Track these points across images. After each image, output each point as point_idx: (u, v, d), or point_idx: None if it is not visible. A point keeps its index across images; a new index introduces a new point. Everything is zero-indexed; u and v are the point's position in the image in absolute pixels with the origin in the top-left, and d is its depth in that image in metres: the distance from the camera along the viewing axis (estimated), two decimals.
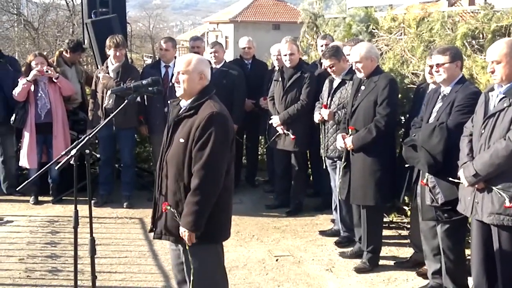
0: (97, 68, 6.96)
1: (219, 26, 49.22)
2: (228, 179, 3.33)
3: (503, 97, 3.59)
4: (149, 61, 18.36)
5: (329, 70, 5.32)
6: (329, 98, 5.37)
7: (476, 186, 3.65)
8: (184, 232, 3.25)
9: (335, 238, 5.55)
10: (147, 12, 58.31)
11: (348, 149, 4.84)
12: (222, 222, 3.38)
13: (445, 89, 4.17)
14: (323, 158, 5.52)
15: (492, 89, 3.73)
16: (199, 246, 3.30)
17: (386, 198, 4.92)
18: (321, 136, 5.50)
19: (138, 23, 46.57)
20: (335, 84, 5.37)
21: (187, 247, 3.30)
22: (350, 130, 4.84)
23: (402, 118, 5.53)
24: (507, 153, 3.45)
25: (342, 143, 4.88)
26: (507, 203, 3.48)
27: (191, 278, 3.35)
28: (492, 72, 3.61)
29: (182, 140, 3.27)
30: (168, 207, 3.32)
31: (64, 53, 7.15)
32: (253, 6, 47.69)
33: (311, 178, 7.18)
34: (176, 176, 3.30)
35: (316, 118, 5.43)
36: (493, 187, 3.55)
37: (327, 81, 5.51)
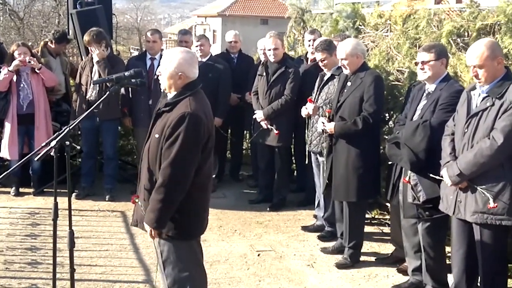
0: (82, 59, 6.88)
1: (207, 19, 49.08)
2: (201, 177, 3.29)
3: (485, 96, 3.60)
4: (136, 53, 18.23)
5: (320, 64, 5.29)
6: (318, 93, 5.36)
7: (459, 185, 3.67)
8: (147, 228, 3.26)
9: (317, 234, 5.56)
10: (134, 4, 57.86)
11: (328, 132, 4.83)
12: (193, 219, 3.35)
13: (430, 87, 4.17)
14: (307, 153, 5.51)
15: (473, 88, 3.73)
16: (170, 242, 3.31)
17: (369, 194, 4.93)
18: (306, 131, 5.48)
19: (126, 15, 46.25)
20: (325, 78, 5.35)
21: (155, 242, 3.32)
22: (327, 113, 4.89)
23: (387, 115, 5.54)
24: (491, 152, 3.46)
25: (323, 126, 4.89)
26: (491, 204, 3.50)
27: (164, 273, 3.36)
28: (476, 76, 3.62)
29: (157, 135, 3.26)
30: (137, 200, 3.34)
31: (49, 43, 7.06)
32: (241, 1, 47.56)
33: (295, 173, 7.18)
34: (149, 169, 3.30)
35: (303, 112, 5.41)
36: (477, 187, 3.57)
37: (319, 76, 5.47)
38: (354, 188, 4.75)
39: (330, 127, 4.81)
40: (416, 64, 4.32)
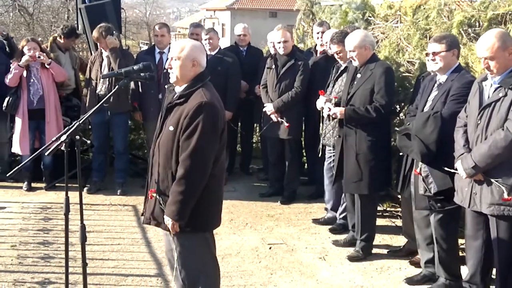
0: (91, 54, 6.90)
1: (216, 13, 48.99)
2: (218, 168, 3.28)
3: (498, 87, 3.56)
4: (145, 47, 18.23)
5: (336, 56, 5.25)
6: (332, 85, 5.32)
7: (475, 178, 3.63)
8: (168, 221, 3.23)
9: (329, 226, 5.55)
10: None
11: (333, 117, 4.82)
12: (210, 211, 3.34)
13: (441, 78, 4.13)
14: (321, 146, 5.48)
15: (485, 79, 3.70)
16: (186, 235, 3.29)
17: (380, 187, 4.91)
18: (320, 124, 5.44)
19: (135, 9, 46.23)
20: (340, 70, 5.31)
21: (173, 236, 3.29)
22: (334, 99, 4.88)
23: (398, 107, 5.51)
24: (506, 144, 3.43)
25: (328, 111, 4.91)
26: (505, 196, 3.47)
27: (178, 267, 3.35)
28: (487, 68, 3.57)
29: (171, 128, 3.23)
30: (154, 194, 3.30)
31: (58, 38, 7.08)
32: None
33: (305, 166, 7.16)
34: (164, 163, 3.28)
35: (319, 105, 5.36)
36: (492, 179, 3.54)
37: (335, 68, 5.43)
38: (366, 181, 4.73)
39: (337, 111, 4.77)
40: (427, 55, 4.28)
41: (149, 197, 3.35)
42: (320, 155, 5.54)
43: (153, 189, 3.33)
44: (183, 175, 3.14)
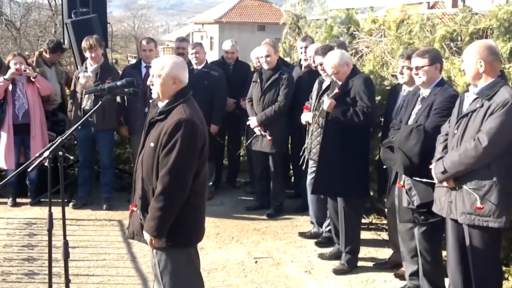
0: (77, 68, 6.89)
1: (204, 26, 49.15)
2: (198, 183, 3.29)
3: (476, 98, 3.62)
4: (133, 61, 18.26)
5: (319, 68, 5.28)
6: (316, 100, 5.36)
7: (448, 184, 3.68)
8: (147, 237, 3.24)
9: (315, 240, 5.55)
10: (131, 12, 58.12)
11: (325, 108, 4.86)
12: (191, 226, 3.34)
13: (424, 92, 4.19)
14: (306, 160, 5.49)
15: (467, 90, 3.76)
16: (169, 251, 3.29)
17: (356, 192, 4.93)
18: (306, 138, 5.47)
19: (123, 23, 46.38)
20: (324, 86, 5.34)
21: (153, 251, 3.30)
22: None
23: (382, 119, 5.54)
24: (475, 154, 3.49)
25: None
26: (478, 204, 3.51)
27: (162, 283, 3.34)
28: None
29: (152, 144, 3.25)
30: (135, 209, 3.32)
31: (44, 53, 7.07)
32: (238, 7, 47.68)
33: (292, 179, 7.18)
34: (146, 179, 3.29)
35: (303, 119, 5.40)
36: (464, 186, 3.59)
37: (316, 82, 5.45)
38: (342, 184, 4.79)
39: (329, 101, 4.81)
40: (404, 67, 4.36)
41: (130, 211, 3.37)
42: (304, 167, 5.55)
43: (134, 203, 3.35)
44: (161, 191, 3.15)
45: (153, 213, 3.17)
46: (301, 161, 5.45)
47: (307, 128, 5.42)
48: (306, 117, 5.31)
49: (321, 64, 5.21)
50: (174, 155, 3.13)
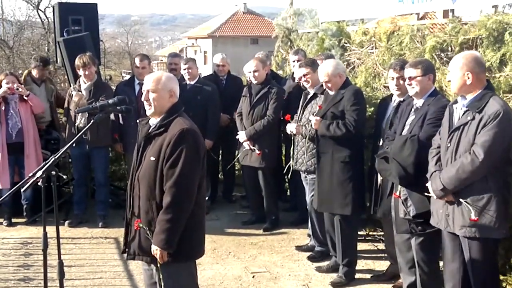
0: (70, 86, 6.90)
1: (197, 41, 49.37)
2: (200, 195, 3.30)
3: (466, 110, 3.63)
4: (128, 77, 18.25)
5: (303, 79, 5.30)
6: (301, 112, 5.38)
7: (447, 199, 3.68)
8: (156, 251, 3.21)
9: (308, 254, 5.53)
10: (125, 28, 58.26)
11: (313, 126, 4.89)
12: (195, 239, 3.34)
13: (418, 102, 4.21)
14: (291, 170, 5.48)
15: (455, 102, 3.77)
16: (172, 265, 3.27)
17: (354, 207, 4.92)
18: (291, 149, 5.47)
19: (117, 39, 46.45)
20: (308, 97, 5.38)
21: (159, 266, 3.26)
22: (318, 108, 5.02)
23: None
24: (472, 168, 3.49)
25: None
26: (473, 217, 3.51)
27: None
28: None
29: (153, 158, 3.24)
30: (141, 225, 3.29)
31: (32, 71, 7.07)
32: (231, 21, 47.98)
33: (288, 192, 7.17)
34: (147, 195, 3.27)
35: (288, 130, 5.42)
36: (462, 200, 3.58)
37: (303, 94, 5.49)
38: (339, 200, 4.78)
39: (314, 119, 4.84)
40: (402, 79, 4.38)
41: (135, 228, 3.32)
42: (289, 176, 5.49)
43: (138, 219, 3.31)
44: (170, 203, 3.15)
45: (163, 226, 3.16)
46: (285, 170, 5.42)
47: (292, 139, 5.44)
48: (290, 127, 5.33)
49: (305, 75, 5.23)
50: (180, 166, 3.14)
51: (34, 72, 7.03)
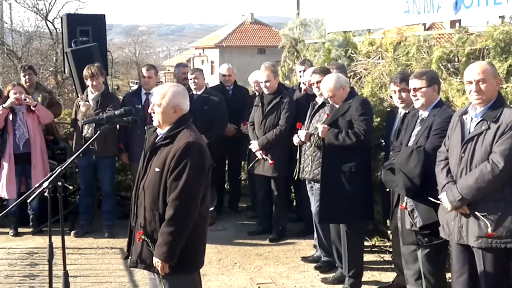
0: (78, 96, 6.93)
1: (205, 51, 49.57)
2: (204, 207, 3.30)
3: (480, 120, 3.61)
4: (135, 87, 18.34)
5: (315, 85, 5.28)
6: (309, 120, 5.37)
7: (462, 210, 3.63)
8: (157, 263, 3.21)
9: (314, 264, 5.51)
10: (132, 38, 58.67)
11: (320, 134, 4.87)
12: (197, 250, 3.34)
13: (423, 113, 4.20)
14: (297, 178, 5.46)
15: (465, 112, 3.74)
16: (175, 276, 3.26)
17: (362, 216, 4.90)
18: (297, 157, 5.45)
19: (124, 49, 46.75)
20: (316, 106, 5.37)
21: (161, 277, 3.26)
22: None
23: (382, 141, 5.54)
24: (493, 177, 3.46)
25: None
26: (489, 231, 3.48)
27: None
28: (478, 92, 3.58)
29: (157, 170, 3.24)
30: (143, 236, 3.28)
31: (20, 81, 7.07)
32: (238, 31, 48.15)
33: (294, 202, 7.15)
34: (151, 205, 3.27)
35: (295, 140, 5.41)
36: (477, 213, 3.55)
37: (311, 105, 5.48)
38: (346, 210, 4.76)
39: (321, 127, 4.83)
40: (407, 91, 4.36)
41: (137, 239, 3.32)
42: (296, 178, 5.48)
43: (141, 231, 3.31)
44: (172, 216, 3.14)
45: (165, 238, 3.16)
46: (295, 175, 5.41)
47: (299, 148, 5.41)
48: (300, 134, 5.30)
49: (317, 82, 5.22)
50: (184, 178, 3.14)
51: (23, 81, 7.03)
